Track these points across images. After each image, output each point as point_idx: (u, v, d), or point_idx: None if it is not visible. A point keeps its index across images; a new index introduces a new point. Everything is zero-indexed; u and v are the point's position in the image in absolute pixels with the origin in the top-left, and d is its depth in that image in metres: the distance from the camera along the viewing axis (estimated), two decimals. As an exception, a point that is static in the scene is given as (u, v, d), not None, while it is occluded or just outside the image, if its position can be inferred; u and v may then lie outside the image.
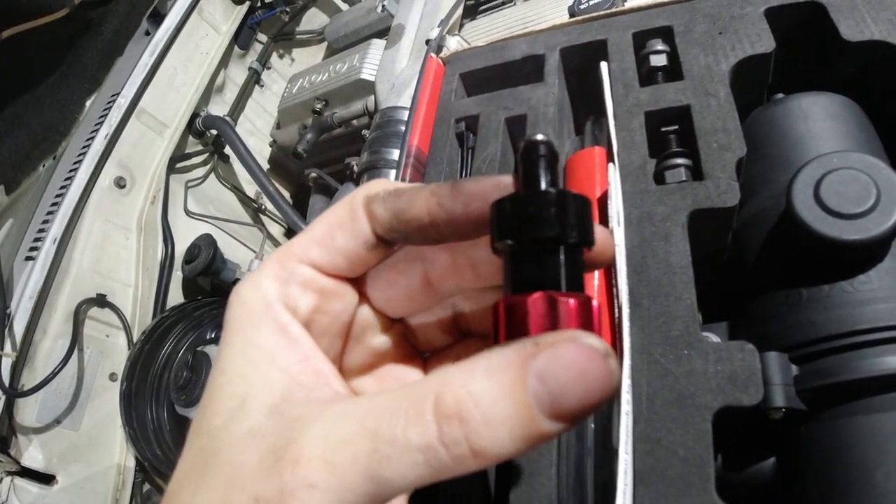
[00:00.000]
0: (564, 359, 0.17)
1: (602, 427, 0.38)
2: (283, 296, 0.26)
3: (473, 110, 0.55)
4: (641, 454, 0.34)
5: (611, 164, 0.44)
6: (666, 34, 0.52)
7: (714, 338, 0.37)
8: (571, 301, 0.18)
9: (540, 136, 0.21)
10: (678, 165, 0.44)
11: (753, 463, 0.41)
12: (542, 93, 0.53)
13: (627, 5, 0.60)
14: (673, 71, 0.50)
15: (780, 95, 0.50)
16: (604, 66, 0.50)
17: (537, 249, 0.19)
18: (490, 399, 0.17)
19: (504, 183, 0.22)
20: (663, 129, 0.47)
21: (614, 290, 0.39)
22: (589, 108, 0.55)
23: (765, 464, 0.40)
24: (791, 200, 0.37)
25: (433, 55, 0.59)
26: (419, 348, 0.30)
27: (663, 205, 0.42)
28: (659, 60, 0.51)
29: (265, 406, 0.23)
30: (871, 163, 0.37)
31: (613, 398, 0.27)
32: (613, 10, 0.56)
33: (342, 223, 0.26)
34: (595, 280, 0.41)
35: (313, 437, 0.20)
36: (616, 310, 0.38)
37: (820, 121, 0.45)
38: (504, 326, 0.19)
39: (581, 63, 0.55)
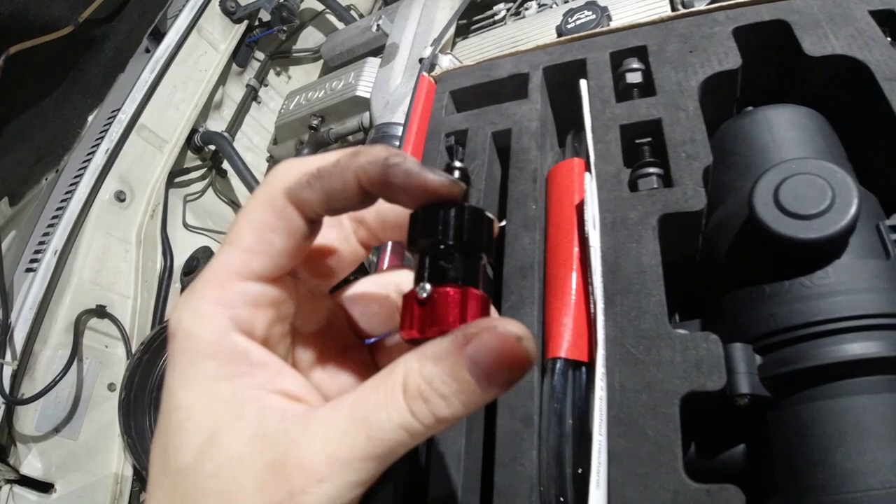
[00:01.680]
0: (487, 344, 0.22)
1: (578, 417, 0.40)
2: (235, 322, 0.25)
3: (462, 125, 0.59)
4: (615, 436, 0.37)
5: (587, 174, 0.47)
6: (641, 53, 0.56)
7: (684, 332, 0.40)
8: (478, 293, 0.23)
9: (457, 164, 0.26)
10: (650, 174, 0.48)
11: (725, 450, 0.43)
12: (526, 109, 0.56)
13: (611, 25, 0.63)
14: (647, 87, 0.54)
15: (750, 108, 0.53)
16: (583, 83, 0.54)
17: (446, 252, 0.23)
18: (440, 381, 0.22)
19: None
20: (637, 141, 0.51)
21: (590, 287, 0.42)
22: (570, 122, 0.59)
23: (735, 450, 0.43)
24: (752, 204, 0.40)
25: (425, 73, 0.62)
26: (360, 335, 0.32)
27: (636, 210, 0.45)
28: (634, 78, 0.54)
29: (243, 435, 0.23)
30: (826, 168, 0.40)
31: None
32: (594, 30, 0.59)
33: (272, 225, 0.24)
34: (573, 279, 0.44)
35: (310, 440, 0.23)
36: (592, 305, 0.41)
37: (784, 131, 0.48)
38: (419, 313, 0.23)
39: (562, 81, 0.59)
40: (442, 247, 0.23)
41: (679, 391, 0.37)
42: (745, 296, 0.42)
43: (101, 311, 1.18)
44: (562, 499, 0.38)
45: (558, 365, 0.41)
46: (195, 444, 0.23)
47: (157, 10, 1.41)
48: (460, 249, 0.23)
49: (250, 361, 0.25)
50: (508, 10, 1.32)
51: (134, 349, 1.18)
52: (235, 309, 0.25)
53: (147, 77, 1.26)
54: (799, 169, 0.41)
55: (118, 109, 1.23)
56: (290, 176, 0.24)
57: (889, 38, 0.53)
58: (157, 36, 1.33)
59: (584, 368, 0.41)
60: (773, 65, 0.54)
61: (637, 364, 0.38)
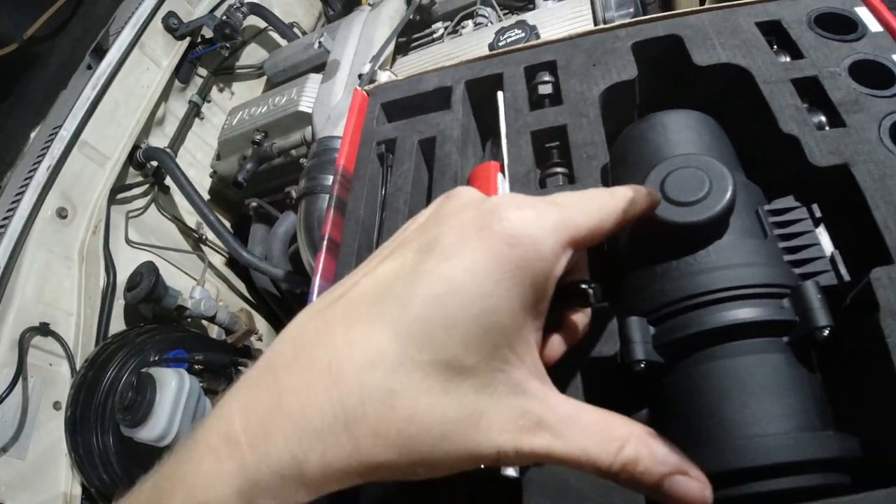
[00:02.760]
0: (686, 488, 0.29)
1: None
2: (557, 269, 0.28)
3: (392, 134, 0.63)
4: (525, 401, 0.42)
5: (500, 175, 0.53)
6: (551, 67, 0.62)
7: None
8: None
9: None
10: (557, 173, 0.54)
11: (629, 415, 0.48)
12: (450, 119, 0.62)
13: (531, 42, 0.69)
14: (556, 97, 0.60)
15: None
16: (500, 95, 0.60)
17: None
18: (644, 468, 0.29)
19: None
20: (546, 145, 0.56)
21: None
22: (489, 129, 0.65)
23: (639, 414, 0.48)
24: (643, 196, 0.46)
25: (358, 87, 0.67)
26: None
27: (544, 204, 0.51)
28: (545, 89, 0.61)
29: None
30: (706, 161, 0.46)
31: None
32: (510, 48, 0.65)
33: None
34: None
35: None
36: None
37: (676, 132, 0.54)
38: None
39: (482, 93, 0.64)
40: None
41: (580, 358, 0.42)
42: (640, 276, 0.47)
43: (44, 329, 1.17)
44: (482, 465, 0.42)
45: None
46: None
47: (100, 27, 1.41)
48: None
49: (540, 311, 0.29)
50: (446, 28, 1.38)
51: (78, 366, 1.17)
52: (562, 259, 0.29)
53: (89, 93, 1.27)
54: (682, 163, 0.47)
55: (60, 126, 1.23)
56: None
57: (775, 47, 0.60)
58: (100, 52, 1.34)
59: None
60: (669, 75, 0.61)
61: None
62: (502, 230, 0.27)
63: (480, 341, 0.26)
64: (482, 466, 0.28)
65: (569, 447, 0.28)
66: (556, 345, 0.36)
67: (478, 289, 0.26)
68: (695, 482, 0.29)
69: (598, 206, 0.31)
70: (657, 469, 0.29)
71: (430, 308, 0.25)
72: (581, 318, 0.37)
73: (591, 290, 0.35)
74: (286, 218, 1.37)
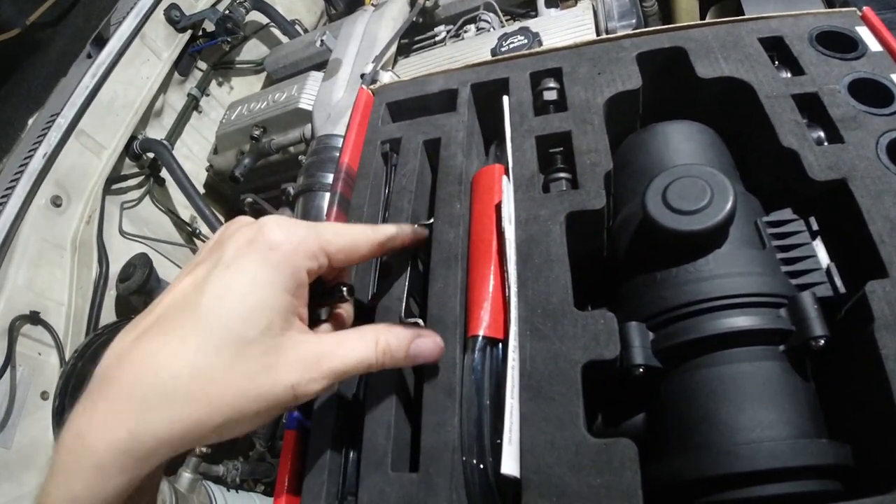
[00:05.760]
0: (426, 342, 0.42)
1: (496, 389, 0.46)
2: (307, 265, 0.38)
3: (396, 134, 0.64)
4: (525, 400, 0.42)
5: (504, 177, 0.54)
6: (556, 74, 0.63)
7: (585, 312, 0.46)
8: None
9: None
10: (560, 178, 0.55)
11: (627, 419, 0.49)
12: (455, 121, 0.62)
13: (537, 49, 0.70)
14: (560, 104, 0.61)
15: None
16: (505, 99, 0.61)
17: None
18: (395, 347, 0.40)
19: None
20: (550, 150, 0.57)
21: (506, 274, 0.47)
22: (493, 133, 0.65)
23: (636, 418, 0.49)
24: (645, 203, 0.47)
25: (364, 87, 0.68)
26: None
27: (546, 208, 0.51)
28: (550, 95, 0.61)
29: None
30: (707, 171, 0.47)
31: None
32: (517, 53, 0.66)
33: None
34: (491, 268, 0.49)
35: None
36: (507, 289, 0.47)
37: (677, 143, 0.55)
38: None
39: (487, 96, 0.65)
40: None
41: (580, 360, 0.43)
42: (640, 282, 0.48)
43: (34, 318, 1.16)
44: (481, 466, 0.43)
45: (478, 342, 0.46)
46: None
47: (102, 16, 1.41)
48: None
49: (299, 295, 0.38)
50: (448, 31, 1.39)
51: (67, 356, 1.16)
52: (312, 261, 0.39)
53: (88, 82, 1.26)
54: (684, 173, 0.47)
55: (58, 114, 1.22)
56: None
57: (776, 62, 0.61)
58: (100, 42, 1.33)
59: (500, 345, 0.46)
60: (672, 85, 0.62)
61: (544, 338, 0.44)
62: (265, 240, 0.36)
63: (258, 318, 0.35)
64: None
65: (346, 360, 0.38)
66: (326, 331, 0.45)
67: (250, 283, 0.35)
68: (428, 339, 0.43)
69: (352, 234, 0.42)
70: (402, 344, 0.41)
71: (216, 304, 0.34)
72: (346, 308, 0.48)
73: (344, 289, 0.45)
74: (282, 214, 1.37)
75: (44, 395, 1.17)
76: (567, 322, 0.45)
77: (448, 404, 0.44)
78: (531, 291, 0.47)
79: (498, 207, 0.52)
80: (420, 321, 0.49)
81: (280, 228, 0.37)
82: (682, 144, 0.55)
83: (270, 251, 0.36)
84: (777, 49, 0.61)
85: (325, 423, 0.48)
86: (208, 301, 0.34)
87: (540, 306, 0.46)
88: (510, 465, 0.39)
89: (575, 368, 0.43)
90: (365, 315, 0.51)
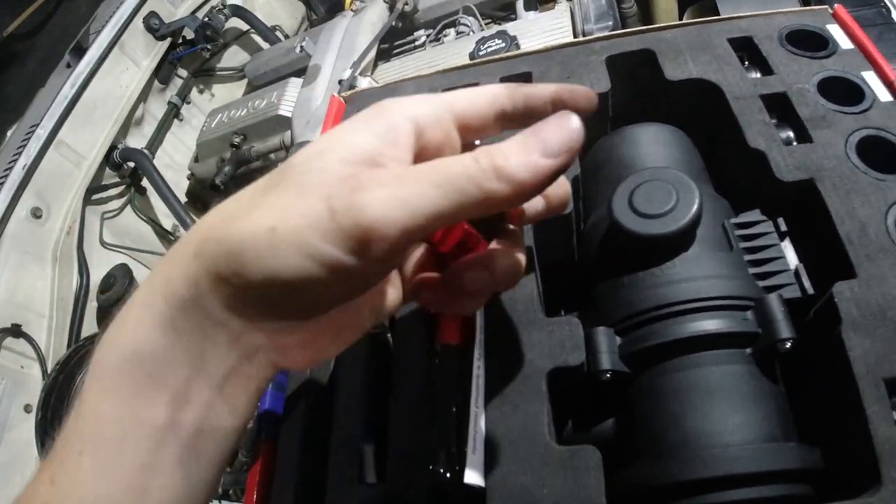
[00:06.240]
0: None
1: (465, 401, 0.45)
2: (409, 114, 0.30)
3: (367, 139, 0.64)
4: (491, 408, 0.42)
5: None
6: (527, 78, 0.62)
7: (552, 318, 0.46)
8: None
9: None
10: (529, 181, 0.54)
11: (596, 424, 0.49)
12: (427, 126, 0.62)
13: (508, 53, 0.70)
14: (530, 107, 0.60)
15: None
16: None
17: None
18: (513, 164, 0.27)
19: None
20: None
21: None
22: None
23: (606, 424, 0.48)
24: (611, 207, 0.47)
25: (334, 94, 0.67)
26: None
27: (514, 213, 0.51)
28: (520, 99, 0.61)
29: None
30: (674, 175, 0.47)
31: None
32: (487, 58, 0.65)
33: None
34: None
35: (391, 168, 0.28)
36: (474, 296, 0.46)
37: (646, 146, 0.55)
38: None
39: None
40: None
41: (545, 367, 0.42)
42: (608, 287, 0.48)
43: (16, 331, 1.15)
44: (448, 475, 0.42)
45: (445, 349, 0.45)
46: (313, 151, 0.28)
47: (80, 26, 1.40)
48: None
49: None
50: (428, 36, 1.39)
51: (50, 369, 1.15)
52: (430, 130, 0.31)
53: (67, 92, 1.26)
54: (651, 176, 0.47)
55: (37, 125, 1.22)
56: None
57: (746, 63, 0.61)
58: (79, 51, 1.33)
59: (467, 352, 0.46)
60: (642, 88, 0.61)
61: (510, 346, 0.44)
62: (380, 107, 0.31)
63: (359, 158, 0.28)
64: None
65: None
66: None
67: (350, 130, 0.29)
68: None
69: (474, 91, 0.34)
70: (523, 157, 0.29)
71: (311, 160, 0.28)
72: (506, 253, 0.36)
73: (507, 224, 0.37)
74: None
75: (27, 409, 1.16)
76: (533, 329, 0.44)
77: (414, 414, 0.44)
78: (498, 298, 0.46)
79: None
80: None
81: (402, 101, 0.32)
82: (651, 147, 0.55)
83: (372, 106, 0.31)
84: (747, 49, 0.61)
85: (293, 434, 0.47)
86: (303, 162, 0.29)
87: (506, 313, 0.46)
88: (474, 474, 0.39)
89: (540, 376, 0.42)
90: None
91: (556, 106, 0.33)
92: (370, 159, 0.28)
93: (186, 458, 0.30)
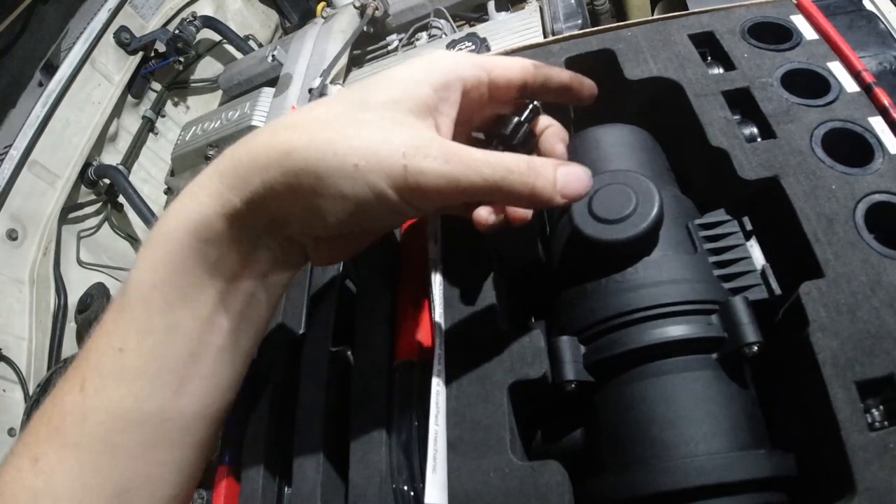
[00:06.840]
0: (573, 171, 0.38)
1: (425, 413, 0.44)
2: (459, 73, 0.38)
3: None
4: (451, 425, 0.41)
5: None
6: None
7: (511, 330, 0.45)
8: None
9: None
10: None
11: (564, 435, 0.48)
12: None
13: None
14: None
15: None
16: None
17: None
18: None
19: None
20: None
21: (431, 295, 0.46)
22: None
23: (574, 435, 0.47)
24: (571, 213, 0.46)
25: (294, 105, 0.66)
26: None
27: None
28: (481, 103, 0.60)
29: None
30: (633, 177, 0.46)
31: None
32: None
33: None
34: (418, 289, 0.48)
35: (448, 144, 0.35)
36: (432, 311, 0.45)
37: (608, 147, 0.54)
38: None
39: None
40: None
41: (506, 381, 0.41)
42: (572, 294, 0.47)
43: (-5, 355, 1.14)
44: (412, 493, 0.41)
45: (404, 366, 0.44)
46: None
47: (50, 43, 1.38)
48: None
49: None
50: (401, 40, 1.37)
51: (31, 391, 1.14)
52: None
53: (39, 111, 1.24)
54: (610, 180, 0.46)
55: (10, 145, 1.20)
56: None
57: (708, 59, 0.60)
58: (50, 69, 1.31)
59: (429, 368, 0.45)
60: (604, 88, 0.60)
61: (470, 360, 0.43)
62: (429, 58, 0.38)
63: (387, 90, 0.36)
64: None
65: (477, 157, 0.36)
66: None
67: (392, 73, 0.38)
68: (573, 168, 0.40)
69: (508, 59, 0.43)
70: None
71: (397, 104, 0.36)
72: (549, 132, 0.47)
73: (531, 106, 0.45)
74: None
75: (11, 432, 1.15)
76: (493, 342, 0.43)
77: (376, 433, 0.43)
78: (458, 311, 0.45)
79: (421, 223, 0.50)
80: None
81: (446, 55, 0.39)
82: (614, 149, 0.54)
83: (430, 64, 0.38)
84: (709, 45, 0.60)
85: (255, 457, 0.46)
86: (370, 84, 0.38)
87: (466, 326, 0.45)
88: (434, 493, 0.38)
89: (501, 390, 0.41)
90: (295, 347, 0.49)
91: (565, 89, 0.45)
92: (432, 109, 0.36)
93: (227, 346, 0.35)
